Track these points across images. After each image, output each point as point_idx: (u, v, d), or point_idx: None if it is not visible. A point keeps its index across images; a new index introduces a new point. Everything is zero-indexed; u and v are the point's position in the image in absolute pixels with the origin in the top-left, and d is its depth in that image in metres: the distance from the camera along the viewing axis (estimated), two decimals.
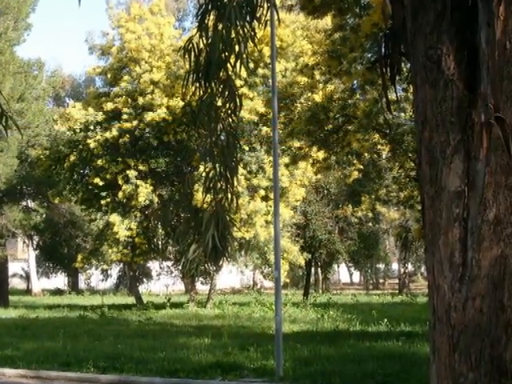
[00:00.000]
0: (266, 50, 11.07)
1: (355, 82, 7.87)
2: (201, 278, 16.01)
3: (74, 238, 21.11)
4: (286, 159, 10.74)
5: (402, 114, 7.98)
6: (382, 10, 1.94)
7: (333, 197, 16.28)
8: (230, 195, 2.19)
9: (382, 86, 1.96)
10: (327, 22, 8.49)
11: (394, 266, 25.67)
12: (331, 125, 8.33)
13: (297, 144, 9.56)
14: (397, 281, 23.45)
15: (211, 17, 2.13)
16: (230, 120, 2.21)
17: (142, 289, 18.01)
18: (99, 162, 12.56)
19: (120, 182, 12.48)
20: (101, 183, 12.65)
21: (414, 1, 1.65)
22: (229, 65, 2.16)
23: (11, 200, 16.73)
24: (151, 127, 12.53)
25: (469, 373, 1.57)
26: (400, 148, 8.04)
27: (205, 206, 2.24)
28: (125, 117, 12.42)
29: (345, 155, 9.18)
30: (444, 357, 1.61)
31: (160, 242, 13.72)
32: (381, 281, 27.26)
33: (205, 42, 2.13)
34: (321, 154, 9.40)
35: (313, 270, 19.15)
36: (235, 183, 2.21)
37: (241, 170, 11.05)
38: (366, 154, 9.40)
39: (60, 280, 23.86)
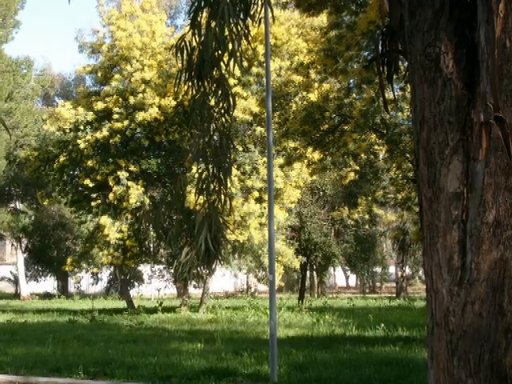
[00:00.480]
0: (260, 48, 11.00)
1: (351, 80, 7.78)
2: (193, 282, 15.87)
3: (63, 240, 20.84)
4: (280, 160, 10.68)
5: (400, 114, 7.83)
6: (379, 7, 1.91)
7: (329, 198, 16.08)
8: (223, 197, 2.14)
9: (379, 85, 1.93)
10: (323, 19, 8.47)
11: (392, 269, 25.18)
12: (327, 125, 8.24)
13: (292, 144, 9.51)
14: (394, 284, 23.12)
15: (204, 14, 2.09)
16: (224, 120, 2.17)
17: (133, 293, 17.83)
18: (89, 162, 12.35)
19: (111, 183, 12.29)
20: (91, 184, 12.44)
21: None
22: (222, 63, 2.12)
23: None
24: (142, 127, 12.37)
25: (468, 379, 1.54)
26: (397, 148, 7.89)
27: (197, 207, 2.18)
28: (116, 116, 12.21)
29: (341, 156, 9.07)
30: (442, 362, 1.57)
31: (152, 245, 13.56)
32: (378, 284, 26.92)
33: (197, 39, 2.08)
34: (316, 155, 9.32)
35: (308, 273, 18.91)
36: (228, 184, 2.17)
37: (234, 171, 10.98)
38: (362, 155, 9.27)
39: (49, 284, 23.47)
